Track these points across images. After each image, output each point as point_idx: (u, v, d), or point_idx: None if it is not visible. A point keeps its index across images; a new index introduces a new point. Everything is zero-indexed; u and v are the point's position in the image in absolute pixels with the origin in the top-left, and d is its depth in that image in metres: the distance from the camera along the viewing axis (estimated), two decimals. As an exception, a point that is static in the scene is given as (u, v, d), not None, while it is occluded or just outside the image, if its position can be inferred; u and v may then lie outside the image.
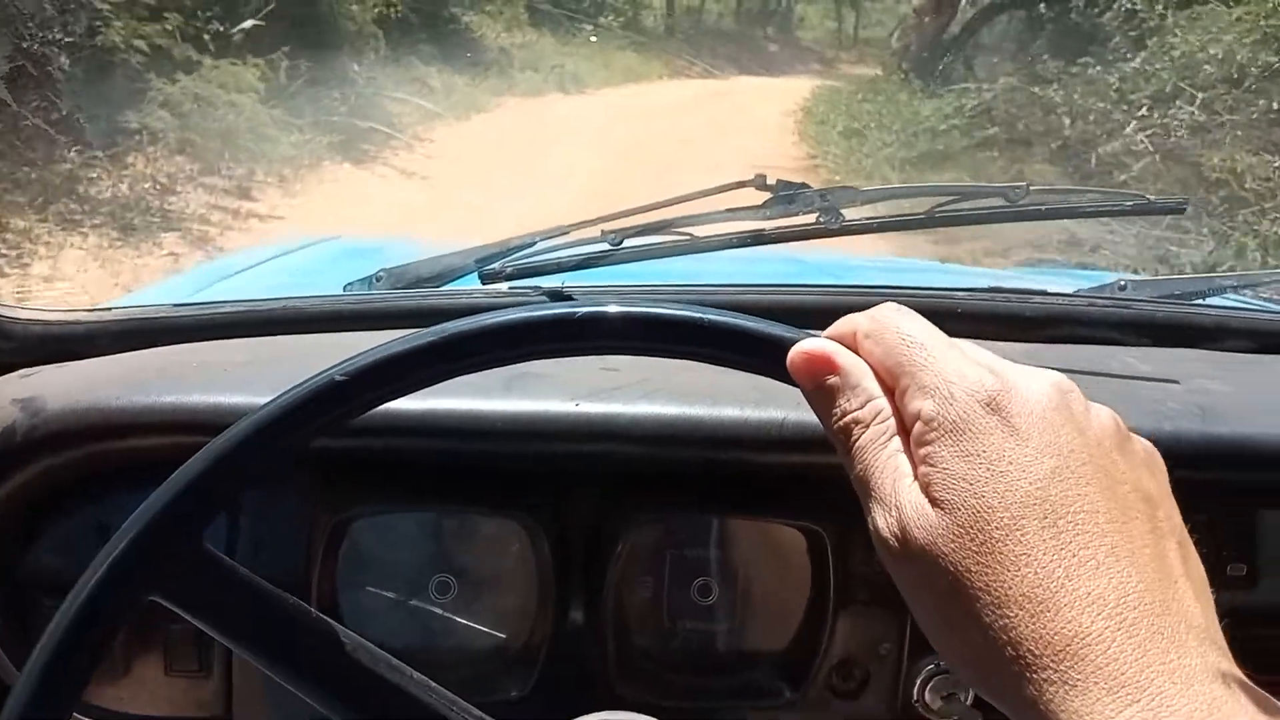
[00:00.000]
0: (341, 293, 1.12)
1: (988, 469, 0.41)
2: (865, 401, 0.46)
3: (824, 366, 0.48)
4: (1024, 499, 0.40)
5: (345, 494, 0.81)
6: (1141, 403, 0.84)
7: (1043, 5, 10.90)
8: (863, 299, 1.06)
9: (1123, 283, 1.18)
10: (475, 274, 1.13)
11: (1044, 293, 1.09)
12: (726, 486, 0.82)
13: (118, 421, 0.78)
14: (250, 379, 0.83)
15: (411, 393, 0.53)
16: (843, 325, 0.49)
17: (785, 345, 0.49)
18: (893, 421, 0.45)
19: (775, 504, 0.82)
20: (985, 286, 1.12)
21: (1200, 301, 1.16)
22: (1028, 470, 0.41)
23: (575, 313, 0.53)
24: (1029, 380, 0.44)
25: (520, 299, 1.00)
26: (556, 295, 0.98)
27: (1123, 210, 1.35)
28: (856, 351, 0.48)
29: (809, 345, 0.49)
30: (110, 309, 1.04)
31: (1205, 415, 0.83)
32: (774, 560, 0.84)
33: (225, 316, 1.00)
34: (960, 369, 0.44)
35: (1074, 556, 0.39)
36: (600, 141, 9.81)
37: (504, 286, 1.09)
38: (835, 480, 0.83)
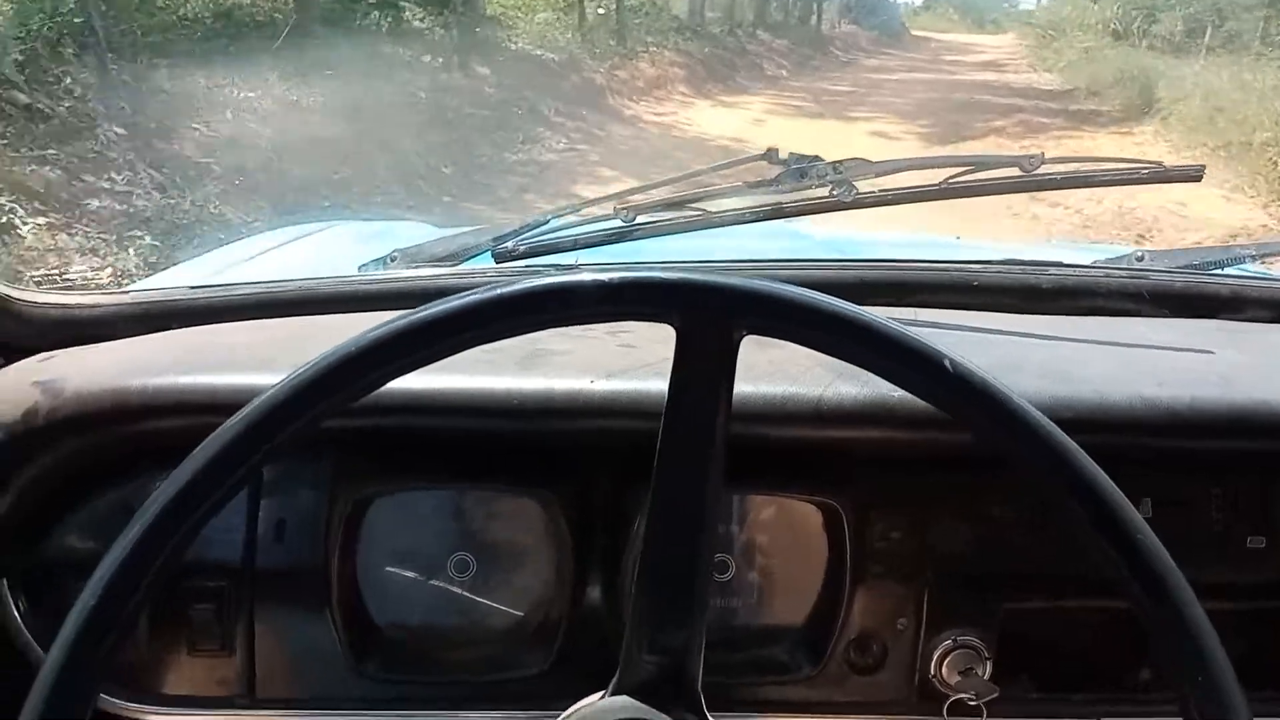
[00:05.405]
0: (356, 274, 1.12)
1: None
2: None
3: None
4: None
5: (364, 474, 0.81)
6: (1162, 372, 0.84)
7: None
8: (879, 273, 1.05)
9: (1140, 254, 1.17)
10: (489, 253, 1.13)
11: (1060, 264, 1.08)
12: (743, 462, 0.82)
13: (139, 403, 0.79)
14: (269, 359, 0.83)
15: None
16: None
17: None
18: None
19: (792, 479, 0.82)
20: (1001, 259, 1.11)
21: (1218, 271, 1.15)
22: None
23: None
24: None
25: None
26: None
27: (1139, 178, 1.34)
28: None
29: None
30: (127, 292, 1.05)
31: (1225, 383, 0.82)
32: (791, 536, 0.84)
33: (241, 299, 1.00)
34: None
35: None
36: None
37: (519, 265, 1.09)
38: (851, 455, 0.84)
